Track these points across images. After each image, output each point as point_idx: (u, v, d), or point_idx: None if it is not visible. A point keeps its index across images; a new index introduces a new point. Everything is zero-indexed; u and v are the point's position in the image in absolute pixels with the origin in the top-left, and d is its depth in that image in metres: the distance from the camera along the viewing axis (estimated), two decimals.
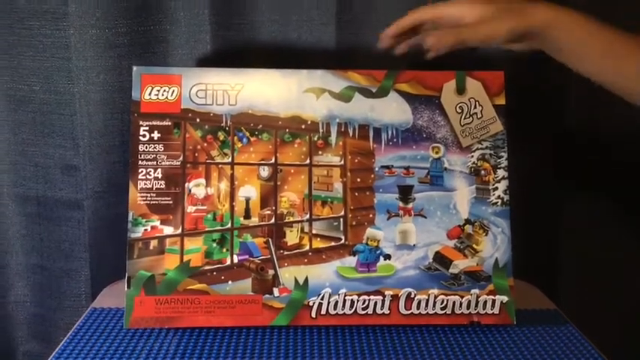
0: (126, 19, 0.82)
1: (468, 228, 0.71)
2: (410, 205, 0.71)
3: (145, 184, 0.71)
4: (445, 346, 0.70)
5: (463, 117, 0.71)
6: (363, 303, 0.70)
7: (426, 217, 0.71)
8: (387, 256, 0.71)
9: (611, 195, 0.90)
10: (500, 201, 0.71)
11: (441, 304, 0.70)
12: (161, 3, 0.83)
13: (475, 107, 0.71)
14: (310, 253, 0.71)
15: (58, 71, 0.84)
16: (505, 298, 0.71)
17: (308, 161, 0.71)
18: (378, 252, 0.71)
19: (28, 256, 0.91)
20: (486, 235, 0.71)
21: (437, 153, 0.71)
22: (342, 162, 0.71)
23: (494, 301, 0.71)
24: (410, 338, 0.71)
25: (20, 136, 0.87)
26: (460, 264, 0.71)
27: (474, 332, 0.73)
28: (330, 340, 0.70)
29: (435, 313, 0.70)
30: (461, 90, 0.71)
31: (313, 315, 0.70)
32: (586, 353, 0.69)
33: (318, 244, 0.70)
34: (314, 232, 0.71)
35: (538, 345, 0.71)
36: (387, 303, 0.70)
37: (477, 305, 0.70)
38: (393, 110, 0.71)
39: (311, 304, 0.70)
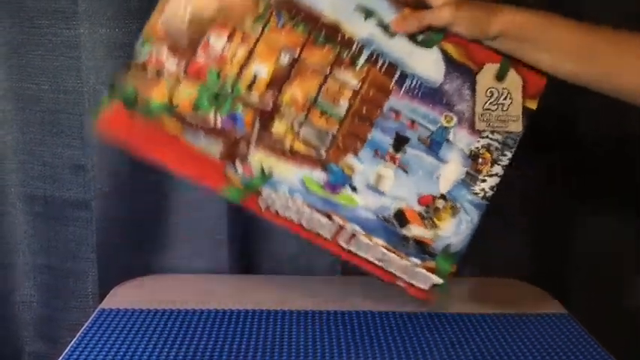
0: (136, 18, 0.81)
1: (440, 202, 0.70)
2: (398, 155, 0.70)
3: (170, 15, 0.68)
4: (447, 340, 0.69)
5: (489, 102, 0.70)
6: (311, 218, 0.69)
7: (407, 173, 0.69)
8: (354, 189, 0.69)
9: (623, 200, 0.90)
10: (482, 193, 0.70)
11: (379, 254, 0.69)
12: None
13: (505, 99, 0.70)
14: (287, 152, 0.69)
15: (67, 70, 0.84)
16: (440, 281, 0.69)
17: (328, 70, 0.69)
18: (349, 181, 0.70)
19: (35, 256, 0.91)
20: (453, 217, 0.69)
21: (448, 122, 0.69)
22: (358, 87, 0.69)
23: (427, 278, 0.69)
24: (410, 327, 0.71)
25: (28, 136, 0.87)
26: (415, 229, 0.69)
27: (481, 336, 0.72)
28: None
29: (369, 259, 0.69)
30: (500, 77, 0.70)
31: (262, 205, 0.69)
32: (599, 358, 0.69)
33: (299, 146, 0.69)
34: (301, 135, 0.69)
35: (550, 349, 0.70)
36: (331, 228, 0.69)
37: (409, 274, 0.69)
38: (428, 64, 0.69)
39: (264, 195, 0.69)
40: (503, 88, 0.70)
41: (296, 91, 0.69)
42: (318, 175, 0.69)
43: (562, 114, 0.88)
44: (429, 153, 0.69)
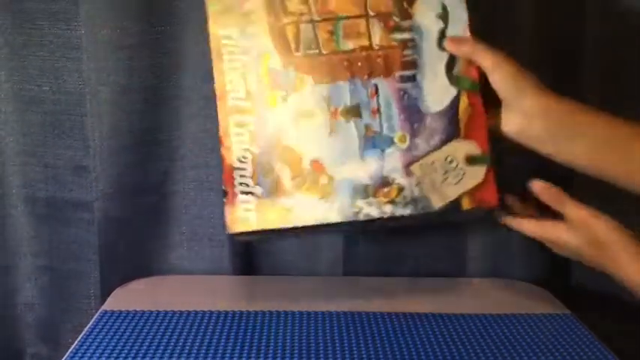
0: (137, 19, 0.82)
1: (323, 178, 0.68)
2: (340, 118, 0.68)
3: None
4: (448, 338, 0.69)
5: (441, 164, 0.67)
6: None
7: (329, 135, 0.67)
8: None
9: (626, 197, 0.90)
10: (358, 210, 0.67)
11: None
12: (172, 3, 0.83)
13: (454, 178, 0.67)
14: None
15: (68, 72, 0.84)
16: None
17: (371, 12, 0.68)
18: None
19: (37, 257, 0.91)
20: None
21: (400, 140, 0.66)
22: (374, 47, 0.68)
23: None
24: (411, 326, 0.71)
25: (30, 137, 0.87)
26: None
27: (484, 337, 0.72)
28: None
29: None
30: (470, 161, 0.67)
31: None
32: (602, 358, 0.69)
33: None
34: (301, 33, 0.68)
35: (553, 349, 0.70)
36: None
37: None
38: (437, 93, 0.67)
39: None
40: (462, 170, 0.67)
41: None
42: None
43: None
44: (361, 141, 0.68)
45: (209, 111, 0.85)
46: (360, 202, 0.67)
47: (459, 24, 0.67)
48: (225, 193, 0.68)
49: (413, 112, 0.67)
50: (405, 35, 0.67)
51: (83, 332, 0.72)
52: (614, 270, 0.62)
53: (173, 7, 0.83)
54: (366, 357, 0.68)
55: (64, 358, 0.67)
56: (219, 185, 0.86)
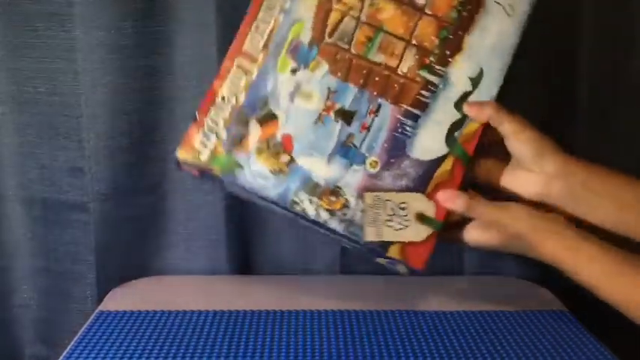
0: (131, 20, 0.82)
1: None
2: (330, 114, 0.67)
3: None
4: (450, 332, 0.69)
5: (392, 204, 0.66)
6: None
7: (314, 127, 0.67)
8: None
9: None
10: (299, 208, 0.66)
11: None
12: (167, 4, 0.83)
13: (397, 223, 0.66)
14: None
15: (63, 73, 0.84)
16: None
17: (413, 39, 0.68)
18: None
19: (34, 258, 0.91)
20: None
21: (372, 165, 0.66)
22: (399, 71, 0.67)
23: None
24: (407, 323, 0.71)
25: (26, 138, 0.87)
26: None
27: (480, 334, 0.72)
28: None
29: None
30: (419, 218, 0.66)
31: None
32: (599, 355, 0.69)
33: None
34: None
35: (550, 347, 0.70)
36: None
37: None
38: (429, 141, 0.66)
39: None
40: (409, 222, 0.66)
41: (389, 12, 0.68)
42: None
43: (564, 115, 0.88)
44: (337, 146, 0.67)
45: None
46: (303, 196, 0.66)
47: (485, 96, 0.66)
48: (194, 119, 0.67)
49: (397, 148, 0.66)
50: (432, 78, 0.67)
51: (79, 333, 0.72)
52: (535, 254, 0.62)
53: (168, 8, 0.83)
54: (361, 355, 0.68)
55: (60, 358, 0.67)
56: (216, 185, 0.87)
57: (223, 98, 0.67)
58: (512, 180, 0.65)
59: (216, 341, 0.70)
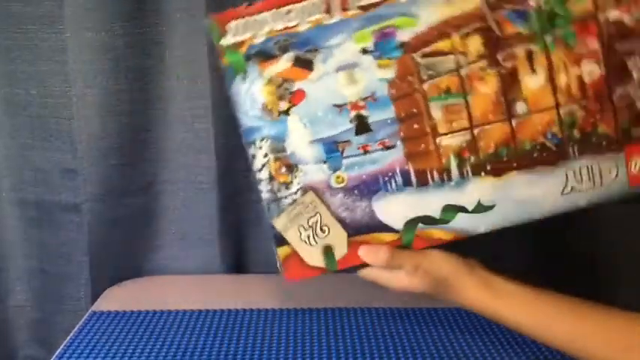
0: (121, 21, 0.82)
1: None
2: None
3: None
4: (449, 329, 0.70)
5: (314, 218, 0.65)
6: None
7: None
8: None
9: None
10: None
11: None
12: (157, 5, 0.83)
13: (311, 230, 0.65)
14: None
15: (55, 75, 0.84)
16: None
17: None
18: None
19: (28, 260, 0.91)
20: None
21: (338, 179, 0.65)
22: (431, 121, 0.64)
23: None
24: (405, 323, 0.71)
25: (18, 140, 0.87)
26: None
27: (481, 332, 0.73)
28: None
29: None
30: (326, 255, 0.66)
31: None
32: None
33: None
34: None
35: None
36: None
37: None
38: (402, 204, 0.65)
39: None
40: (315, 243, 0.65)
41: (486, 88, 0.64)
42: None
43: None
44: (331, 138, 0.64)
45: (196, 111, 0.86)
46: (265, 147, 0.64)
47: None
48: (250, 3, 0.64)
49: (370, 189, 0.64)
50: (454, 174, 0.64)
51: (72, 333, 0.72)
52: (460, 301, 0.62)
53: (157, 9, 0.84)
54: (359, 353, 0.68)
55: (52, 358, 0.67)
56: (208, 185, 0.87)
57: (289, 12, 0.63)
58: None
59: (210, 341, 0.70)
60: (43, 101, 0.85)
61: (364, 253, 0.63)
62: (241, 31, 0.63)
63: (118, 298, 0.83)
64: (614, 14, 0.63)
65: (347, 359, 0.67)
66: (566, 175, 0.65)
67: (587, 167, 0.65)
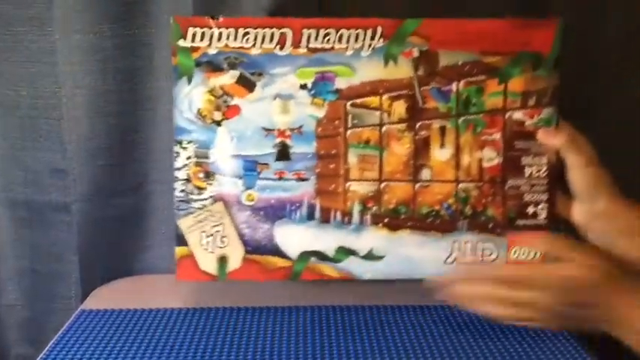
0: (110, 23, 0.83)
1: None
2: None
3: None
4: (440, 325, 0.70)
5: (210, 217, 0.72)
6: None
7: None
8: None
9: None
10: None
11: None
12: (145, 7, 0.84)
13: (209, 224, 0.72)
14: None
15: (44, 76, 0.85)
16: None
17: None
18: None
19: (18, 259, 0.92)
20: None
21: (249, 197, 0.71)
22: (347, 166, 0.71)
23: None
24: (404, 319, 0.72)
25: (8, 141, 0.88)
26: None
27: (467, 332, 0.73)
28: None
29: None
30: (219, 271, 0.74)
31: None
32: (575, 354, 0.70)
33: None
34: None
35: (533, 343, 0.71)
36: None
37: None
38: (295, 235, 0.72)
39: None
40: (215, 246, 0.72)
41: (400, 149, 0.72)
42: None
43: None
44: (250, 159, 0.71)
45: None
46: (190, 150, 0.71)
47: None
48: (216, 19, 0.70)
49: (275, 212, 0.71)
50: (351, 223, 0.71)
51: (60, 331, 0.73)
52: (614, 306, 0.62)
53: (146, 11, 0.84)
54: (352, 351, 0.68)
55: (40, 356, 0.68)
56: None
57: (246, 34, 0.69)
58: (565, 208, 0.70)
59: (194, 339, 0.71)
60: (32, 102, 0.86)
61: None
62: (199, 39, 0.69)
63: (107, 297, 0.83)
64: (518, 115, 0.71)
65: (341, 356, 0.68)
66: (452, 245, 0.72)
67: (472, 243, 0.72)
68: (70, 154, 0.86)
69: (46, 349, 0.69)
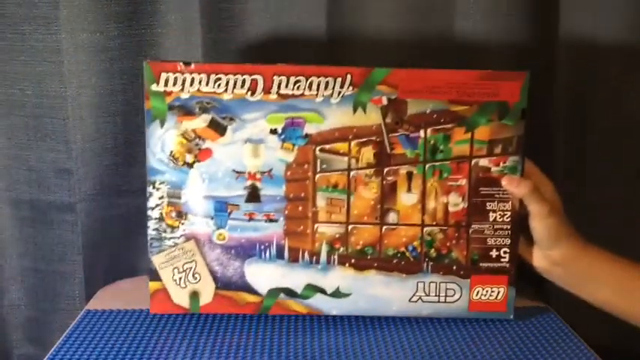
0: (117, 22, 0.83)
1: None
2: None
3: None
4: (437, 339, 0.70)
5: (184, 254, 0.73)
6: None
7: None
8: None
9: (605, 192, 0.91)
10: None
11: None
12: (152, 6, 0.84)
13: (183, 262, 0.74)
14: None
15: (50, 75, 0.84)
16: None
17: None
18: None
19: (22, 259, 0.92)
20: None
21: (220, 236, 0.73)
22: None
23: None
24: (403, 331, 0.72)
25: (13, 140, 0.88)
26: None
27: (469, 324, 0.73)
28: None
29: None
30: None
31: None
32: (576, 349, 0.70)
33: None
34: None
35: (527, 341, 0.71)
36: None
37: None
38: (266, 272, 0.74)
39: None
40: (188, 282, 0.73)
41: (368, 194, 0.73)
42: None
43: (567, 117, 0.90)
44: (220, 199, 0.72)
45: None
46: (163, 190, 0.73)
47: None
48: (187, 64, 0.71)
49: (245, 252, 0.73)
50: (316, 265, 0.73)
51: (66, 332, 0.73)
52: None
53: (153, 11, 0.84)
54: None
55: (47, 357, 0.68)
56: None
57: (218, 79, 0.70)
58: (528, 254, 0.73)
59: (199, 340, 0.71)
60: (38, 101, 0.86)
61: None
62: (172, 83, 0.70)
63: (112, 297, 0.83)
64: (484, 162, 0.72)
65: None
66: (417, 285, 0.74)
67: (436, 284, 0.74)
68: (75, 154, 0.86)
69: (53, 349, 0.69)
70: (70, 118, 0.85)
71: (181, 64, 0.70)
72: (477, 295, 0.74)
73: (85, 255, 0.89)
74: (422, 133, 0.71)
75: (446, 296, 0.74)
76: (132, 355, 0.68)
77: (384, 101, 0.71)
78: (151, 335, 0.72)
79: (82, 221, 0.88)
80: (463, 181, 0.72)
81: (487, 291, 0.74)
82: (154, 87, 0.71)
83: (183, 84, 0.70)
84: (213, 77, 0.70)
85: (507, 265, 0.74)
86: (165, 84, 0.70)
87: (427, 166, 0.72)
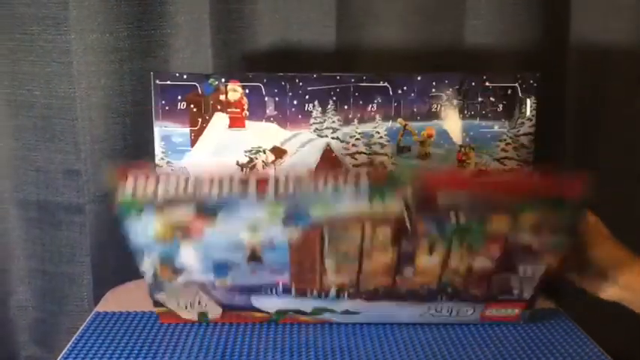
0: (126, 23, 0.83)
1: None
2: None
3: None
4: (449, 342, 0.70)
5: None
6: None
7: None
8: None
9: (611, 195, 0.91)
10: None
11: None
12: (161, 7, 0.84)
13: None
14: None
15: (59, 76, 0.84)
16: None
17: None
18: None
19: (30, 260, 0.91)
20: None
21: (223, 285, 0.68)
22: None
23: None
24: (414, 335, 0.72)
25: (21, 141, 0.88)
26: None
27: (482, 328, 0.73)
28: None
29: None
30: None
31: None
32: (589, 351, 0.70)
33: None
34: None
35: (540, 343, 0.71)
36: None
37: None
38: None
39: None
40: (194, 308, 0.71)
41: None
42: None
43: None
44: (220, 261, 0.65)
45: None
46: (155, 257, 0.66)
47: None
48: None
49: (253, 290, 0.68)
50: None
51: (77, 334, 0.73)
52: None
53: (162, 12, 0.84)
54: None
55: (58, 359, 0.67)
56: None
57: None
58: (591, 284, 0.70)
59: (213, 343, 0.71)
60: (47, 102, 0.86)
61: None
62: (142, 188, 0.60)
63: (121, 299, 0.83)
64: (524, 237, 0.62)
65: None
66: (428, 307, 0.70)
67: (449, 307, 0.70)
68: (83, 155, 0.86)
69: (64, 352, 0.69)
70: (79, 119, 0.85)
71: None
72: (490, 311, 0.72)
73: (94, 256, 0.89)
74: (453, 217, 0.60)
75: (458, 314, 0.71)
76: (143, 358, 0.67)
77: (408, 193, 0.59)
78: (162, 338, 0.71)
79: (91, 223, 0.88)
80: (497, 252, 0.63)
81: (501, 312, 0.72)
82: (120, 195, 0.60)
83: (156, 185, 0.59)
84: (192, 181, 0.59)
85: (528, 297, 0.69)
86: (134, 189, 0.60)
87: (454, 242, 0.62)
